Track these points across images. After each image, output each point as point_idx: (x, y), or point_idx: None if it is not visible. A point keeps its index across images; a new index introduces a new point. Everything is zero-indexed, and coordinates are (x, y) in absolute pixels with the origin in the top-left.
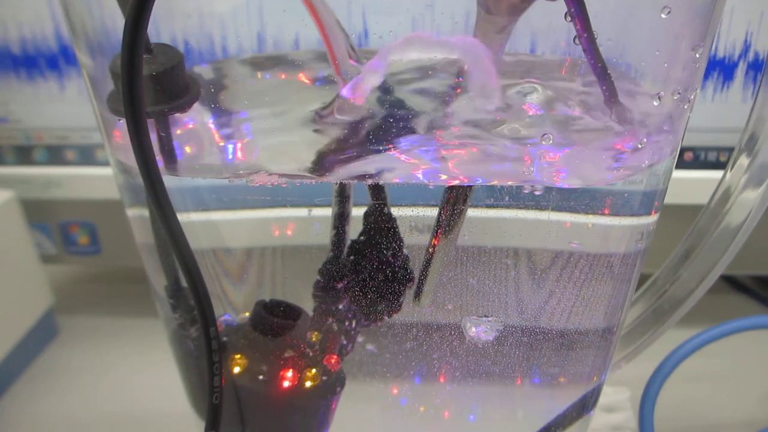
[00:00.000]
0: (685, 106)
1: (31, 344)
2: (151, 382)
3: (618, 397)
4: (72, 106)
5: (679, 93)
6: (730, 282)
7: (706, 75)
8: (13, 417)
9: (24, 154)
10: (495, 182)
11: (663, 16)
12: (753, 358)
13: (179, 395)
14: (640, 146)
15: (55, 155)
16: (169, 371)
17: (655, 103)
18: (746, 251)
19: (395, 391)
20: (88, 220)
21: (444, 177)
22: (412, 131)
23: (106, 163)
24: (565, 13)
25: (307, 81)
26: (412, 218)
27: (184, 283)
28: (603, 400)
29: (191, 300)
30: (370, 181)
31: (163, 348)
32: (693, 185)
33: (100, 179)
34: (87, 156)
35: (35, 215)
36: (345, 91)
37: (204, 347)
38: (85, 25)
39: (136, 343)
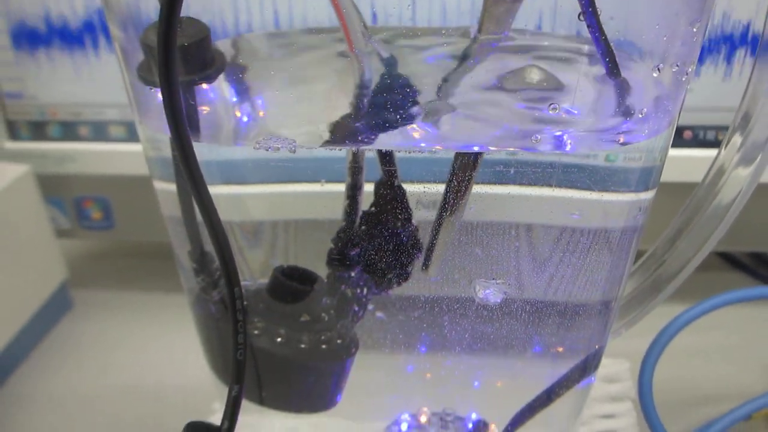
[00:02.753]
0: (683, 79)
1: (45, 317)
2: (164, 354)
3: (618, 368)
4: (86, 82)
5: (677, 66)
6: (726, 258)
7: (708, 53)
8: (28, 389)
9: (38, 130)
10: (501, 149)
11: None
12: (748, 331)
13: (192, 367)
14: (640, 116)
15: (69, 131)
16: (182, 344)
17: (655, 75)
18: (741, 228)
19: (404, 357)
20: (102, 196)
21: (452, 144)
22: (421, 100)
23: (119, 139)
24: None
25: (322, 56)
26: (421, 194)
27: (206, 248)
28: (603, 371)
29: (214, 264)
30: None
31: (175, 321)
32: (691, 163)
33: (114, 155)
34: (101, 132)
35: (50, 190)
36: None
37: (229, 306)
38: None
39: (149, 317)
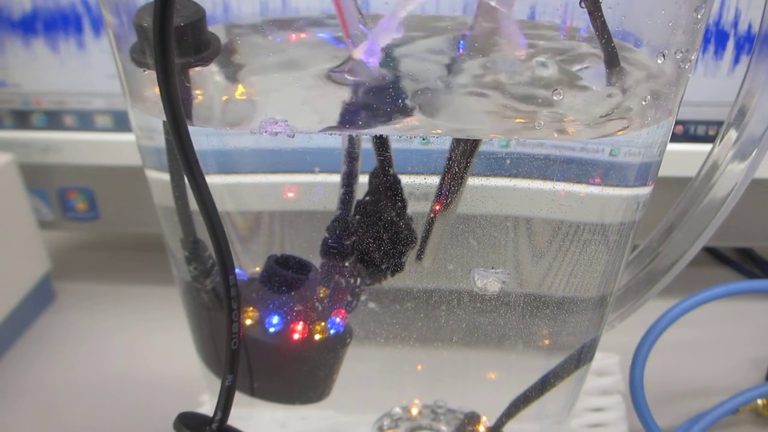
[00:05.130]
0: (686, 66)
1: (28, 309)
2: (148, 345)
3: (608, 362)
4: (71, 71)
5: (681, 53)
6: (714, 254)
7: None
8: (9, 380)
9: (22, 119)
10: (504, 137)
11: None
12: (737, 326)
13: (177, 358)
14: (644, 102)
15: (54, 120)
16: (167, 335)
17: (659, 61)
18: (729, 223)
19: (396, 348)
20: (87, 186)
21: (451, 130)
22: (419, 86)
23: (105, 129)
24: None
25: (316, 41)
26: (416, 185)
27: (198, 236)
28: (594, 364)
29: (206, 252)
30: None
31: (160, 312)
32: (682, 158)
33: (100, 145)
34: (86, 121)
35: (33, 180)
36: (359, 54)
37: (224, 294)
38: None
39: (132, 309)
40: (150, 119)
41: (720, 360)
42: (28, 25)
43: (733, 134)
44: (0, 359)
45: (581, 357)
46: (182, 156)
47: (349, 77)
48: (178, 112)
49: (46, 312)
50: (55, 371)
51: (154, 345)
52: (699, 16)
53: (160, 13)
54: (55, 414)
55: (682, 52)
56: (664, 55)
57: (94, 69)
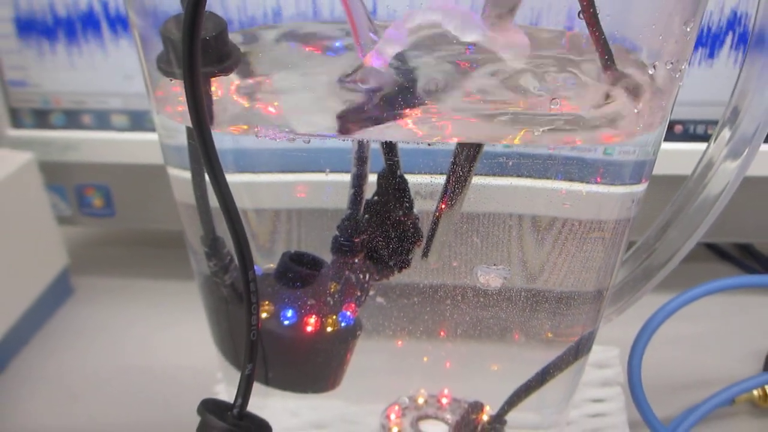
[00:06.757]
0: (677, 75)
1: (46, 303)
2: (161, 338)
3: (608, 355)
4: (89, 71)
5: (671, 63)
6: (714, 250)
7: (696, 49)
8: (30, 370)
9: (42, 118)
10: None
11: None
12: (733, 319)
13: (192, 350)
14: (636, 111)
15: (72, 119)
16: (180, 328)
17: (651, 72)
18: (729, 220)
19: (403, 341)
20: (104, 183)
21: (456, 138)
22: (426, 96)
23: (122, 128)
24: None
25: (327, 49)
26: (422, 184)
27: (217, 233)
28: (594, 357)
29: (225, 249)
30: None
31: (174, 306)
32: (682, 156)
33: (116, 144)
34: (103, 121)
35: (52, 177)
36: (370, 61)
37: (243, 288)
38: None
39: (147, 303)
40: (173, 120)
41: (718, 353)
42: (47, 28)
43: (726, 133)
44: (21, 350)
45: (579, 349)
46: (207, 162)
47: (360, 85)
48: (203, 122)
49: (65, 305)
50: (73, 362)
51: (168, 337)
52: (688, 29)
53: (189, 29)
54: (73, 402)
55: (672, 62)
56: (655, 66)
57: (111, 70)
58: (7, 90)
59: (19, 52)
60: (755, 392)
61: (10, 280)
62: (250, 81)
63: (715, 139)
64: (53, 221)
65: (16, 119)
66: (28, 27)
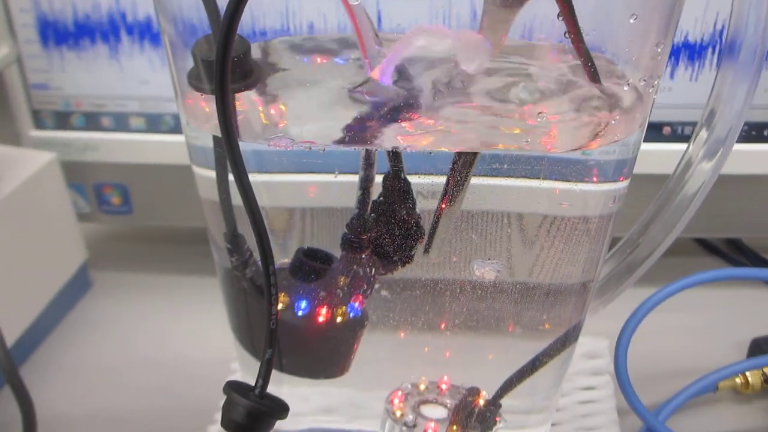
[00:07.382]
0: (650, 90)
1: (67, 296)
2: (177, 331)
3: (598, 345)
4: (109, 75)
5: (644, 80)
6: (704, 245)
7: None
8: (51, 361)
9: (63, 119)
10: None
11: (631, 21)
12: (717, 311)
13: (203, 343)
14: (613, 122)
15: (92, 121)
16: (195, 322)
17: (626, 88)
18: (719, 215)
19: (406, 331)
20: (122, 182)
21: (455, 146)
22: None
23: (139, 130)
24: (558, 14)
25: (337, 62)
26: (424, 185)
27: (239, 230)
28: (584, 347)
29: (245, 245)
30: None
31: (188, 301)
32: (670, 157)
33: (134, 144)
34: (122, 123)
35: (72, 176)
36: (377, 75)
37: (264, 281)
38: None
39: (163, 297)
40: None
41: (704, 343)
42: (69, 34)
43: (704, 135)
44: (42, 342)
45: (568, 338)
46: (235, 171)
47: (367, 97)
48: (232, 135)
49: (84, 299)
50: (93, 353)
51: (182, 330)
52: (659, 50)
53: (221, 52)
54: (91, 392)
55: (645, 79)
56: (628, 83)
57: (129, 75)
58: (30, 93)
59: (41, 57)
60: (737, 379)
61: (33, 274)
62: (268, 93)
63: (694, 140)
64: (73, 218)
65: (39, 121)
66: (50, 33)
